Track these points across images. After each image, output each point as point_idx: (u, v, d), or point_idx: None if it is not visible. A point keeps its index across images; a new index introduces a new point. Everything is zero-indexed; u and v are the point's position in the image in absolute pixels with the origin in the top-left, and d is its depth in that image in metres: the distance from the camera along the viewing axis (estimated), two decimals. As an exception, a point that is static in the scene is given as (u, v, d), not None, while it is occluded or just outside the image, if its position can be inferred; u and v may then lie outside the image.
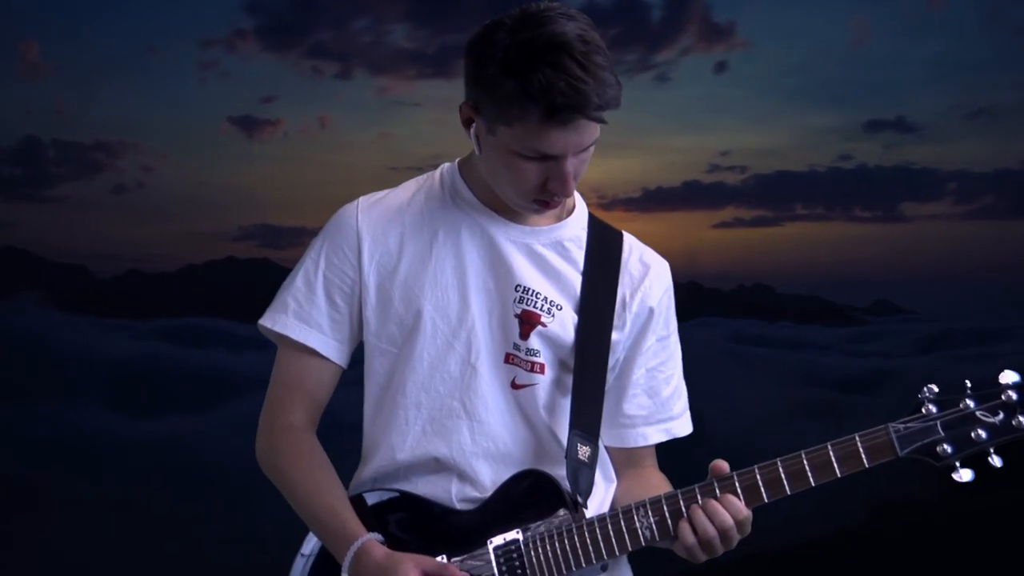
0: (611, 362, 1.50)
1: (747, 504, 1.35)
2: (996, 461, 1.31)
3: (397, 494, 1.46)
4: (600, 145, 1.38)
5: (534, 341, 1.45)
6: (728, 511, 1.34)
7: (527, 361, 1.45)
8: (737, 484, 1.35)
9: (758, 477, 1.35)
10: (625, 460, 1.56)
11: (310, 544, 1.50)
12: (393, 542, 1.41)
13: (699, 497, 1.36)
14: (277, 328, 1.49)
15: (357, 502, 1.45)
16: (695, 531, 1.34)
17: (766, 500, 1.35)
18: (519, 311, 1.45)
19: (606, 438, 1.55)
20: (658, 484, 1.51)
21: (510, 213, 1.47)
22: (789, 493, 1.35)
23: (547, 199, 1.39)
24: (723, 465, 1.37)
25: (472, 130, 1.39)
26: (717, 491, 1.35)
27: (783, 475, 1.34)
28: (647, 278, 1.52)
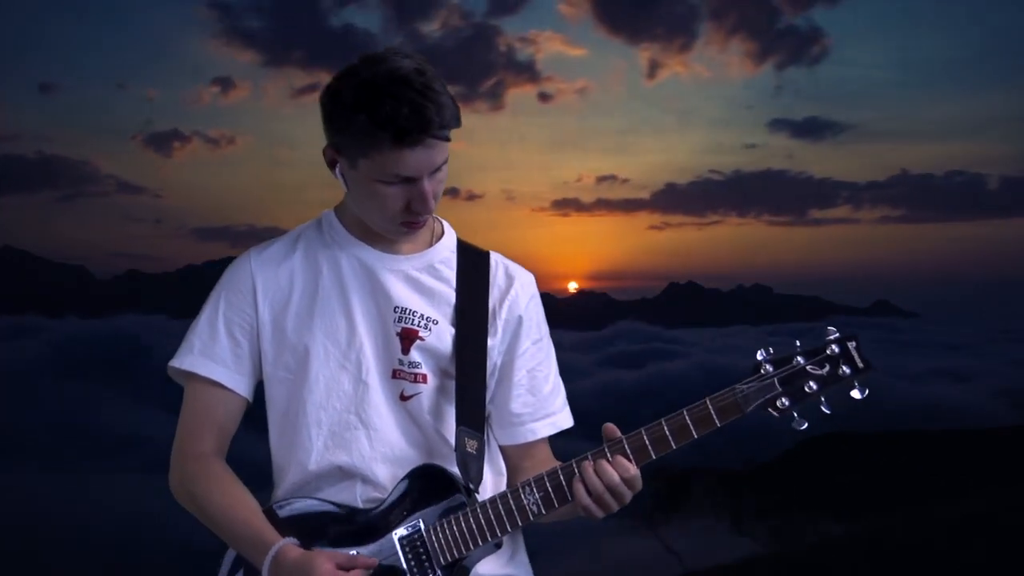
0: (489, 366, 1.64)
1: (637, 463, 1.48)
2: (826, 409, 1.46)
3: (304, 502, 1.59)
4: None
5: (414, 354, 1.59)
6: (617, 471, 1.46)
7: (411, 373, 1.60)
8: (627, 446, 1.48)
9: (626, 445, 1.47)
10: (521, 455, 1.69)
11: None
12: (307, 545, 1.52)
13: (591, 459, 1.48)
14: (185, 367, 1.61)
15: (269, 514, 1.57)
16: (587, 489, 1.47)
17: (636, 464, 1.48)
18: (399, 329, 1.59)
19: (500, 438, 1.69)
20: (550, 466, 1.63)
21: (384, 245, 1.63)
22: (654, 457, 1.48)
23: (412, 219, 1.54)
24: (614, 429, 1.50)
25: (337, 170, 1.54)
26: (608, 454, 1.48)
27: (647, 442, 1.47)
28: (512, 288, 1.67)
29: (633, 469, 1.47)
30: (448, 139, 1.48)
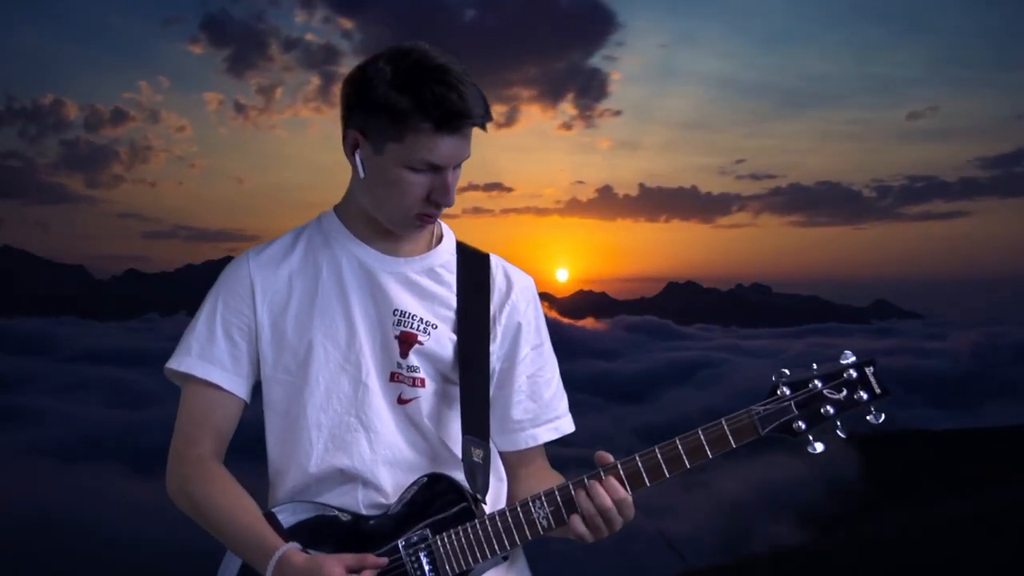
0: (490, 371, 1.61)
1: (632, 488, 1.46)
2: (842, 433, 1.46)
3: (307, 507, 1.56)
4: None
5: (413, 358, 1.57)
6: (608, 493, 1.44)
7: (409, 377, 1.57)
8: (621, 471, 1.46)
9: (639, 463, 1.46)
10: (518, 461, 1.68)
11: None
12: (310, 551, 1.49)
13: (586, 483, 1.46)
14: (182, 368, 1.58)
15: (270, 519, 1.54)
16: (580, 512, 1.45)
17: (648, 484, 1.46)
18: (398, 332, 1.57)
19: (500, 444, 1.67)
20: (552, 479, 1.61)
21: (384, 246, 1.60)
22: (668, 476, 1.46)
23: (430, 211, 1.52)
24: (606, 456, 1.48)
25: (357, 155, 1.52)
26: (602, 477, 1.46)
27: (661, 460, 1.45)
28: (512, 293, 1.65)
29: (623, 492, 1.45)
30: (483, 127, 1.48)
